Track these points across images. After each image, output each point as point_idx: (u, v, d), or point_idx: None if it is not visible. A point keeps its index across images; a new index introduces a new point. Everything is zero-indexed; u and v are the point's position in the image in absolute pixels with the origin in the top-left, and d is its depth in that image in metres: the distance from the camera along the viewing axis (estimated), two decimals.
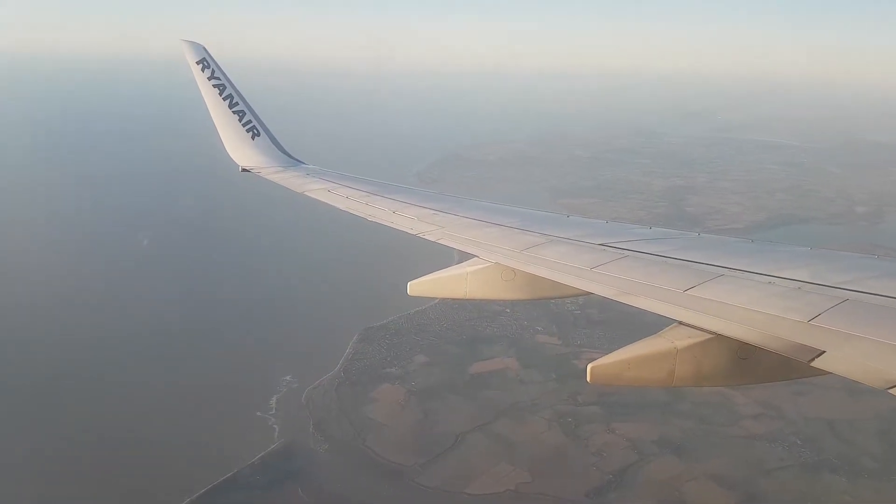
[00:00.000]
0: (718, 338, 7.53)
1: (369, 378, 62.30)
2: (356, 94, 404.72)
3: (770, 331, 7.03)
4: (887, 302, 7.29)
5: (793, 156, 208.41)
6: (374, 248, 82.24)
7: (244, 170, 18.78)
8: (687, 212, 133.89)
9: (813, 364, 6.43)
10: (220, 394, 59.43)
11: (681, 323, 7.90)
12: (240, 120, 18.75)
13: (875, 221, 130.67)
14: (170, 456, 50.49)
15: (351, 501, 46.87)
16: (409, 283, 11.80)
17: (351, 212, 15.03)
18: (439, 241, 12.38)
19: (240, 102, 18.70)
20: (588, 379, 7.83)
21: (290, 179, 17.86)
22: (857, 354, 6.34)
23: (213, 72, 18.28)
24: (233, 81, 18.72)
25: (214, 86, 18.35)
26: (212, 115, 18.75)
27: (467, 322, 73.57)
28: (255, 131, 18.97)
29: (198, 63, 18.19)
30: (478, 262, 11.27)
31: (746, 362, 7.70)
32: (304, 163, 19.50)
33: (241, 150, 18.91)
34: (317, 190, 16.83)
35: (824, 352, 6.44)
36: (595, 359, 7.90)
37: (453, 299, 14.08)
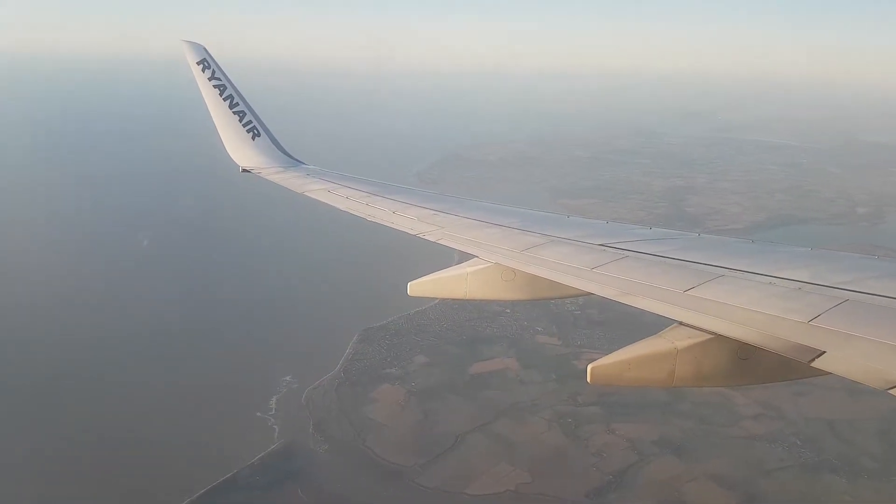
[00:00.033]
0: (719, 338, 7.54)
1: (369, 378, 62.29)
2: (356, 95, 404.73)
3: (770, 331, 7.04)
4: (887, 302, 7.30)
5: (793, 156, 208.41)
6: (374, 248, 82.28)
7: (244, 170, 18.79)
8: (687, 212, 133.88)
9: (813, 364, 6.44)
10: (220, 394, 59.42)
11: (681, 323, 7.90)
12: (240, 120, 18.77)
13: (875, 222, 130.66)
14: (170, 456, 50.48)
15: (351, 502, 46.85)
16: (409, 284, 11.80)
17: (351, 212, 15.04)
18: (439, 242, 12.39)
19: (240, 103, 18.72)
20: (588, 379, 7.84)
21: (291, 180, 17.88)
22: (857, 355, 6.35)
23: (213, 72, 18.30)
24: (233, 82, 18.73)
25: (215, 86, 18.37)
26: (212, 115, 18.76)
27: (467, 322, 73.56)
28: (256, 132, 18.99)
29: (198, 63, 18.21)
30: (478, 263, 11.28)
31: (747, 363, 7.70)
32: (304, 163, 19.51)
33: (241, 151, 18.92)
34: (317, 190, 16.84)
35: (824, 352, 6.44)
36: (595, 359, 7.91)
37: (453, 300, 14.08)
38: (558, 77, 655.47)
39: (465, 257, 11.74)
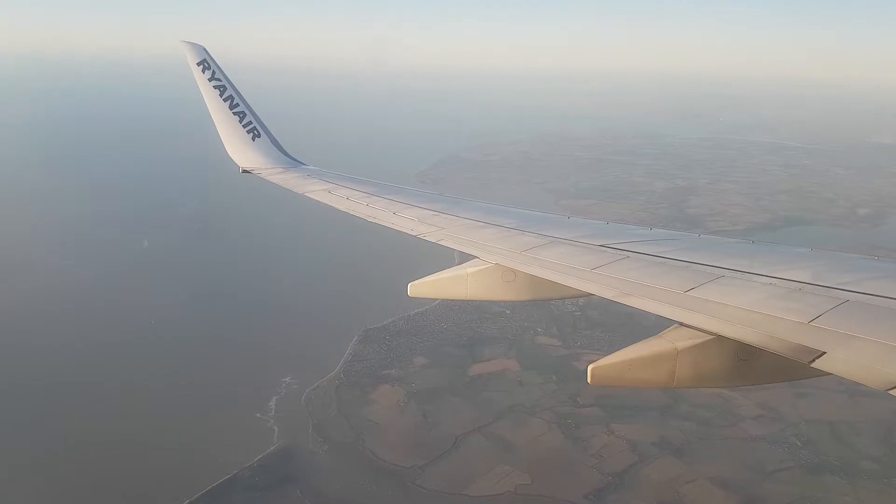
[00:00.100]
0: (719, 339, 7.53)
1: (369, 380, 62.25)
2: (357, 95, 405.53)
3: (770, 332, 7.03)
4: (888, 303, 7.29)
5: (795, 157, 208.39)
6: (374, 249, 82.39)
7: (245, 171, 18.82)
8: (688, 213, 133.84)
9: (813, 365, 6.43)
10: (219, 395, 59.40)
11: (681, 324, 7.90)
12: (240, 121, 18.80)
13: (876, 223, 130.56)
14: (169, 457, 50.43)
15: (350, 503, 46.80)
16: (409, 285, 11.81)
17: (351, 213, 15.06)
18: (440, 242, 12.39)
19: (240, 104, 18.74)
20: (588, 380, 7.83)
21: (291, 180, 17.90)
22: (857, 355, 6.34)
23: (213, 73, 18.33)
24: (233, 83, 18.76)
25: (215, 87, 18.40)
26: (212, 116, 18.79)
27: (467, 323, 73.52)
28: (256, 132, 19.02)
29: (198, 64, 18.24)
30: (478, 263, 11.28)
31: (747, 363, 7.70)
32: (304, 164, 19.54)
33: (241, 152, 18.95)
34: (317, 191, 16.86)
35: (825, 353, 6.44)
36: (595, 360, 7.91)
37: (453, 300, 14.10)
38: (559, 78, 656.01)
39: (465, 258, 11.73)
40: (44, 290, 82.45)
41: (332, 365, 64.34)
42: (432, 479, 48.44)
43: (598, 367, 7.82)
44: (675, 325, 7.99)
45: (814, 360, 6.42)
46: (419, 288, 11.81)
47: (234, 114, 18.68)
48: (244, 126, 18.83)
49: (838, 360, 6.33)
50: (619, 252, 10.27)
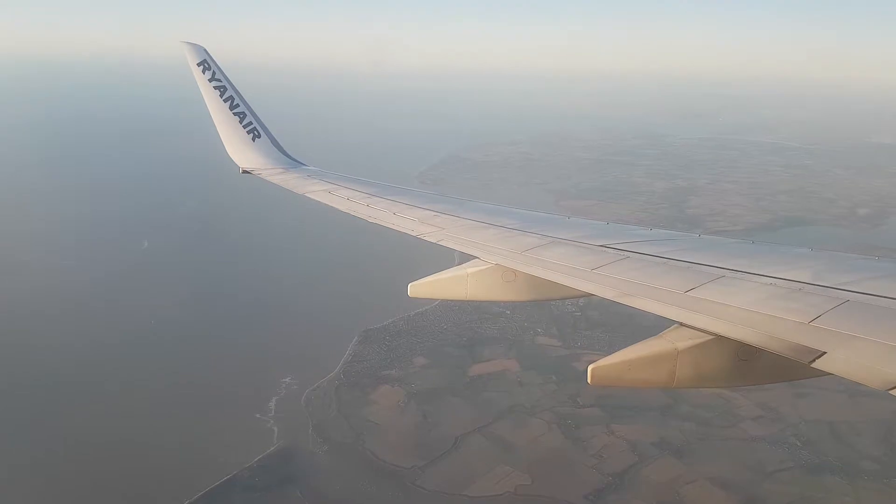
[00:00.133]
0: (719, 339, 7.53)
1: (369, 380, 62.23)
2: (357, 95, 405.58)
3: (771, 332, 7.03)
4: (888, 303, 7.29)
5: (795, 157, 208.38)
6: (374, 249, 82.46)
7: (245, 171, 18.82)
8: (688, 213, 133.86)
9: (814, 365, 6.43)
10: (219, 395, 59.40)
11: (681, 324, 7.90)
12: (241, 122, 18.80)
13: (876, 223, 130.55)
14: (168, 458, 50.43)
15: (350, 503, 46.79)
16: (409, 285, 11.80)
17: (352, 213, 15.06)
18: (440, 243, 12.40)
19: (241, 104, 18.74)
20: (589, 380, 7.83)
21: (291, 181, 17.90)
22: (857, 355, 6.34)
23: (213, 73, 18.33)
24: (233, 83, 18.76)
25: (215, 87, 18.40)
26: (213, 116, 18.79)
27: (467, 324, 73.51)
28: (256, 133, 19.02)
29: (199, 65, 18.24)
30: (478, 264, 11.28)
31: (747, 363, 7.70)
32: (304, 164, 19.54)
33: (241, 152, 18.95)
34: (317, 191, 16.86)
35: (825, 353, 6.44)
36: (595, 360, 7.91)
37: (453, 301, 14.12)
38: (559, 78, 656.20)
39: (465, 258, 11.73)
40: (44, 290, 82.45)
41: (332, 365, 64.33)
42: (432, 479, 48.43)
43: (598, 368, 7.82)
44: (676, 325, 7.99)
45: (814, 361, 6.42)
46: (419, 288, 11.81)
47: (235, 114, 18.69)
48: (244, 126, 18.84)
49: (838, 360, 6.33)
50: (619, 252, 10.27)
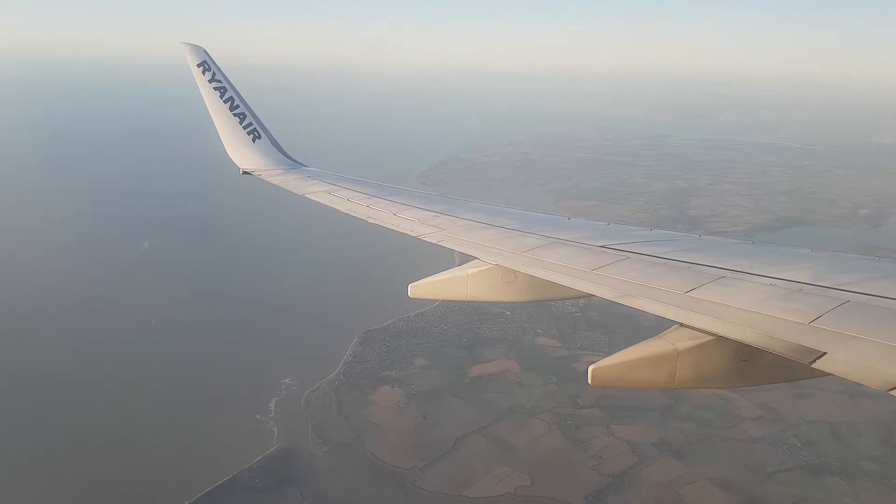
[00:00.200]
0: (719, 340, 7.53)
1: (369, 381, 62.19)
2: (357, 96, 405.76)
3: (771, 332, 7.03)
4: (888, 303, 7.29)
5: (795, 158, 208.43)
6: (374, 250, 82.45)
7: (245, 172, 18.83)
8: (688, 214, 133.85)
9: (814, 365, 6.43)
10: (219, 396, 59.37)
11: (682, 325, 7.90)
12: (241, 122, 18.81)
13: (877, 224, 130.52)
14: (168, 459, 50.39)
15: None
16: (409, 286, 11.81)
17: (352, 214, 15.08)
18: (440, 244, 12.40)
19: (241, 105, 18.75)
20: (589, 381, 7.84)
21: (291, 182, 17.91)
22: (857, 356, 6.34)
23: (213, 74, 18.34)
24: (233, 84, 18.76)
25: (215, 88, 18.41)
26: (213, 117, 18.80)
27: (467, 324, 73.47)
28: (256, 134, 19.03)
29: (199, 66, 18.24)
30: (479, 264, 11.29)
31: (747, 364, 7.70)
32: (305, 165, 19.55)
33: (241, 153, 18.97)
34: (318, 192, 16.87)
35: (825, 353, 6.44)
36: (596, 361, 7.91)
37: (453, 301, 14.12)
38: (559, 78, 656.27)
39: (465, 259, 11.74)
40: (44, 290, 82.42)
41: (332, 366, 64.29)
42: (432, 480, 48.40)
43: (598, 368, 7.82)
44: (676, 325, 8.00)
45: (814, 361, 6.42)
46: (420, 289, 11.82)
47: (235, 115, 18.70)
48: (244, 127, 18.85)
49: (839, 361, 6.33)
50: (619, 253, 10.27)
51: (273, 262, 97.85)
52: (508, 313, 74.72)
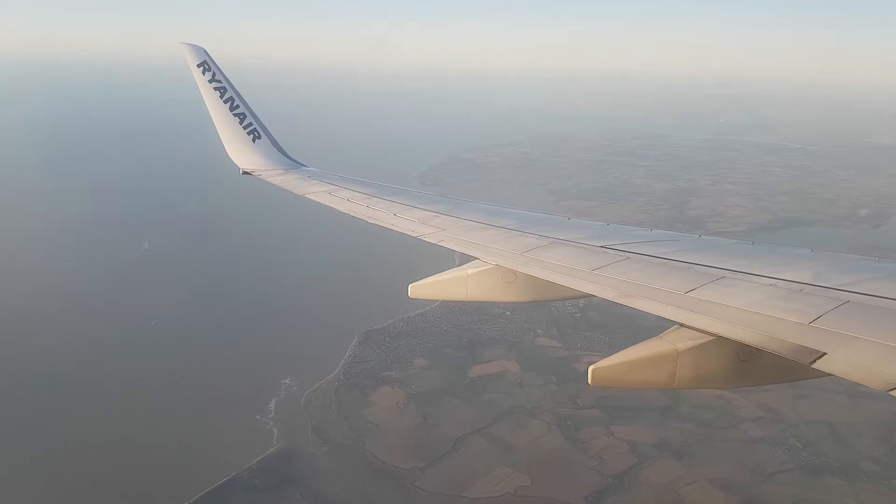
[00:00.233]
0: (719, 340, 7.53)
1: (369, 381, 62.18)
2: (357, 96, 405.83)
3: (771, 333, 7.03)
4: (888, 304, 7.29)
5: (795, 158, 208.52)
6: (374, 250, 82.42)
7: (245, 172, 18.83)
8: (688, 214, 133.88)
9: (814, 366, 6.43)
10: (218, 397, 59.36)
11: (682, 325, 7.90)
12: (241, 123, 18.81)
13: (877, 224, 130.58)
14: (168, 459, 50.38)
15: None
16: (410, 286, 11.81)
17: (352, 214, 15.07)
18: (440, 244, 12.40)
19: (241, 105, 18.75)
20: (589, 381, 7.84)
21: (291, 182, 17.91)
22: (858, 356, 6.34)
23: (214, 74, 18.34)
24: (234, 84, 18.76)
25: (215, 88, 18.41)
26: (213, 118, 18.80)
27: (467, 325, 73.47)
28: (256, 134, 19.03)
29: (199, 66, 18.24)
30: (479, 265, 11.29)
31: (747, 364, 7.70)
32: (305, 165, 19.55)
33: (242, 153, 18.97)
34: (318, 192, 16.87)
35: (825, 353, 6.44)
36: (596, 361, 7.90)
37: (453, 302, 14.11)
38: (559, 79, 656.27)
39: (465, 259, 11.74)
40: (44, 290, 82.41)
41: (332, 366, 64.28)
42: (432, 480, 48.39)
43: (598, 369, 7.82)
44: (676, 326, 7.99)
45: (814, 361, 6.42)
46: (420, 289, 11.82)
47: (235, 115, 18.70)
48: (244, 128, 18.85)
49: (839, 361, 6.33)
50: (619, 253, 10.27)
51: (273, 262, 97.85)
52: (508, 314, 74.72)
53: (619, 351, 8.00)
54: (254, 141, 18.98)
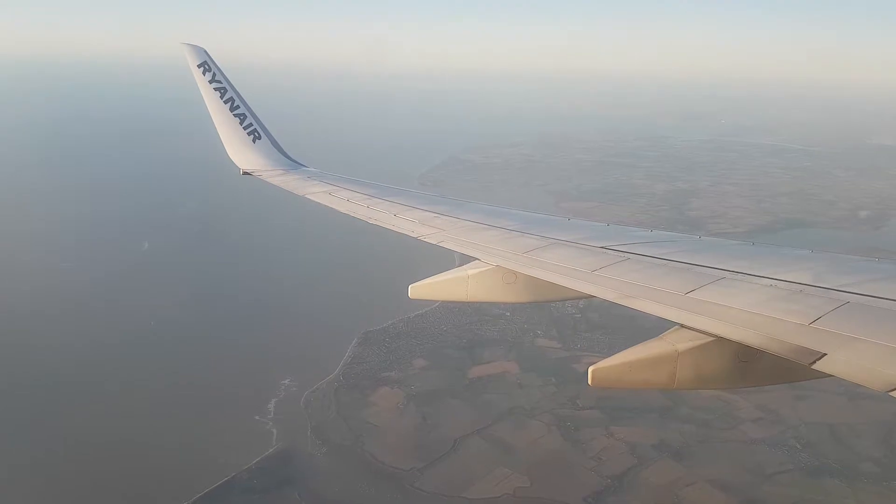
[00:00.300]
0: (719, 341, 7.52)
1: (368, 382, 62.16)
2: (357, 96, 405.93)
3: (771, 333, 7.02)
4: (888, 304, 7.29)
5: (795, 159, 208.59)
6: (374, 251, 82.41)
7: (245, 173, 18.83)
8: (689, 215, 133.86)
9: (814, 367, 6.42)
10: (218, 397, 59.36)
11: (682, 326, 7.89)
12: (241, 123, 18.80)
13: (877, 225, 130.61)
14: (168, 458, 50.39)
15: None
16: (410, 286, 11.80)
17: (352, 214, 15.07)
18: (440, 244, 12.40)
19: (241, 106, 18.75)
20: (589, 382, 7.83)
21: (292, 182, 17.91)
22: (858, 357, 6.34)
23: (214, 75, 18.34)
24: (234, 85, 18.76)
25: (216, 89, 18.41)
26: (213, 118, 18.80)
27: (467, 326, 73.46)
28: (257, 134, 19.03)
29: (199, 66, 18.24)
30: (479, 265, 11.28)
31: (747, 365, 7.70)
32: (305, 166, 19.55)
33: (242, 154, 18.97)
34: (318, 193, 16.86)
35: (825, 354, 6.43)
36: (596, 362, 7.90)
37: (453, 302, 14.11)
38: (559, 79, 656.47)
39: (465, 260, 11.73)
40: (44, 290, 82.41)
41: (332, 367, 64.27)
42: (431, 481, 48.38)
43: (598, 369, 7.82)
44: (676, 326, 7.99)
45: (814, 362, 6.41)
46: (420, 290, 11.81)
47: (235, 116, 18.70)
48: (245, 128, 18.85)
49: (839, 362, 6.33)
50: (619, 254, 10.27)
51: (273, 262, 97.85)
52: (508, 314, 74.70)
53: (619, 352, 8.00)
54: (254, 141, 18.98)
